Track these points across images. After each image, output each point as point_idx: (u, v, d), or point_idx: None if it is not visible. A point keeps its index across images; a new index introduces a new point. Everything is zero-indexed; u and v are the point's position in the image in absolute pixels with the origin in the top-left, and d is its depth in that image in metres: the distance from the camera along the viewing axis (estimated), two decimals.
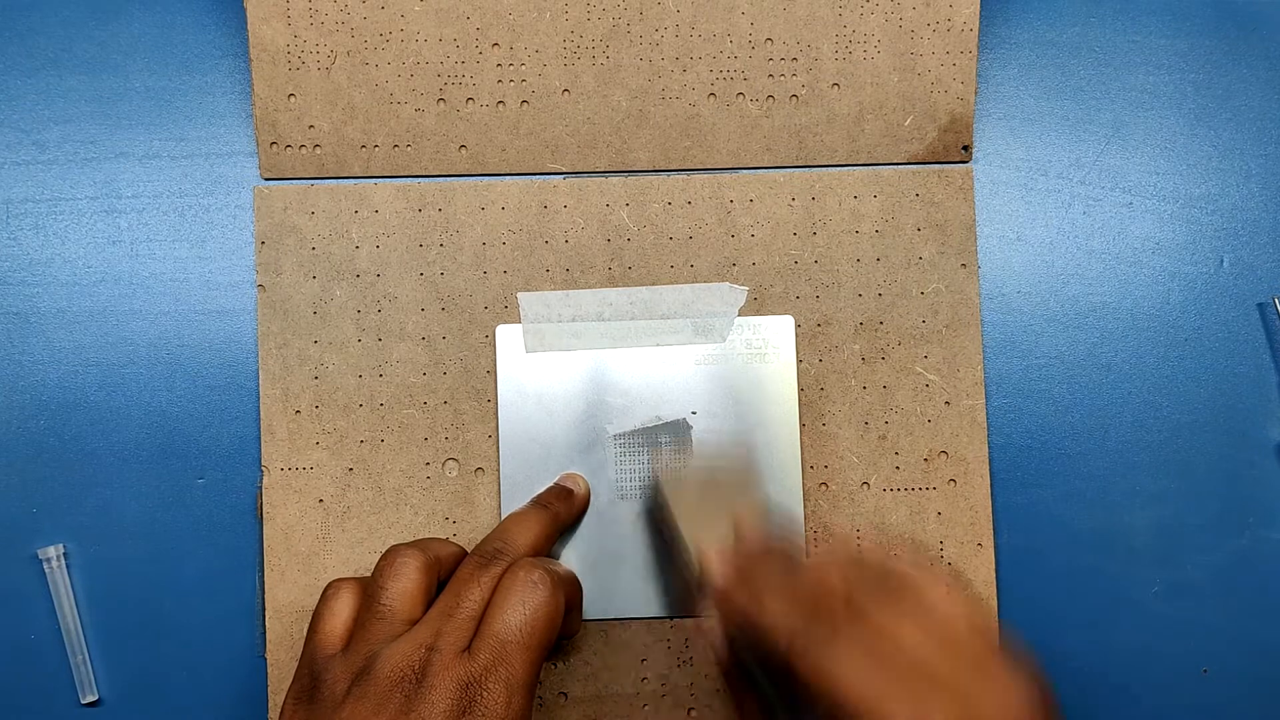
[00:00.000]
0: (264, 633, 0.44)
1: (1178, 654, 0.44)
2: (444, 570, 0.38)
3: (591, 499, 0.44)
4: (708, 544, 0.39)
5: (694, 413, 0.44)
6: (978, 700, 0.32)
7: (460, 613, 0.35)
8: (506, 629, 0.34)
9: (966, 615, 0.34)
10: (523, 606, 0.35)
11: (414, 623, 0.35)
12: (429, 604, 0.36)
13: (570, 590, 0.38)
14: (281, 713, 0.35)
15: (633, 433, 0.44)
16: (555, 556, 0.43)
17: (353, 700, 0.33)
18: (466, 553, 0.39)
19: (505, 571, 0.36)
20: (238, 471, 0.45)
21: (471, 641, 0.34)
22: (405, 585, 0.36)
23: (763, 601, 0.35)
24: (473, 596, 0.36)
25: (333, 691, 0.34)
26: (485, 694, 0.33)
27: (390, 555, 0.37)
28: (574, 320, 0.44)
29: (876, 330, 0.45)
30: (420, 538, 0.42)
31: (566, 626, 0.40)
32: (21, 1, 0.46)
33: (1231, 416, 0.45)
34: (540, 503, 0.42)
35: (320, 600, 0.37)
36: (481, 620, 0.35)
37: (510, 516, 0.41)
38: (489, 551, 0.38)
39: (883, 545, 0.38)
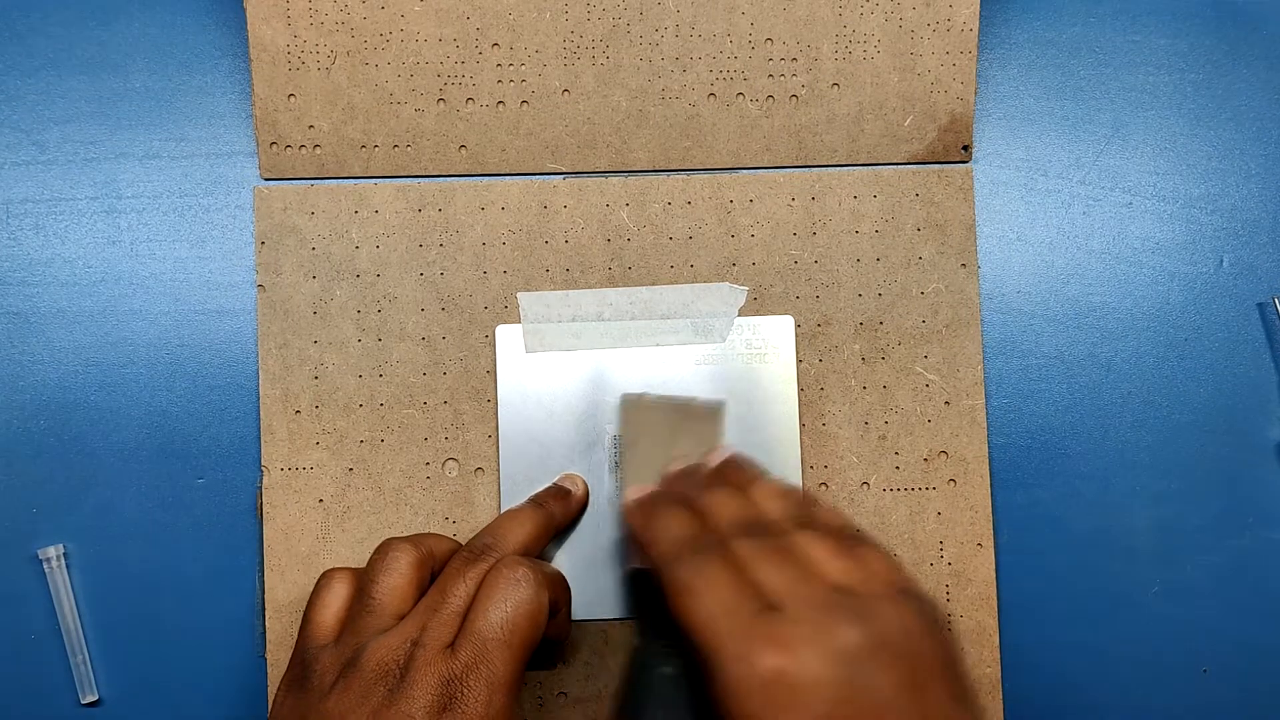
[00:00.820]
0: (264, 633, 0.44)
1: (1178, 654, 0.44)
2: (437, 565, 0.38)
3: (590, 500, 0.44)
4: (634, 474, 0.41)
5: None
6: (812, 646, 0.31)
7: (445, 609, 0.35)
8: (488, 626, 0.34)
9: (845, 570, 0.33)
10: (505, 604, 0.35)
11: (403, 617, 0.36)
12: (420, 598, 0.36)
13: (556, 590, 0.38)
14: (274, 700, 0.36)
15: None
16: (550, 557, 0.43)
17: (338, 691, 0.33)
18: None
19: (491, 568, 0.36)
20: (238, 471, 0.45)
21: (455, 638, 0.34)
22: (395, 580, 0.36)
23: (653, 524, 0.36)
24: (458, 593, 0.36)
25: (321, 681, 0.34)
26: (466, 691, 0.33)
27: (383, 549, 0.37)
28: (574, 320, 0.44)
29: (876, 330, 0.45)
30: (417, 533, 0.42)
31: (555, 629, 0.40)
32: (22, 1, 0.46)
33: (1231, 416, 0.45)
34: (536, 502, 0.42)
35: (314, 590, 0.37)
36: (465, 617, 0.35)
37: (504, 514, 0.41)
38: (478, 547, 0.38)
39: (794, 495, 0.38)
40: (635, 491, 0.39)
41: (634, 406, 0.43)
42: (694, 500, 0.37)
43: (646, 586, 0.37)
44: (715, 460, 0.41)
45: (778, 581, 0.32)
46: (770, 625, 0.31)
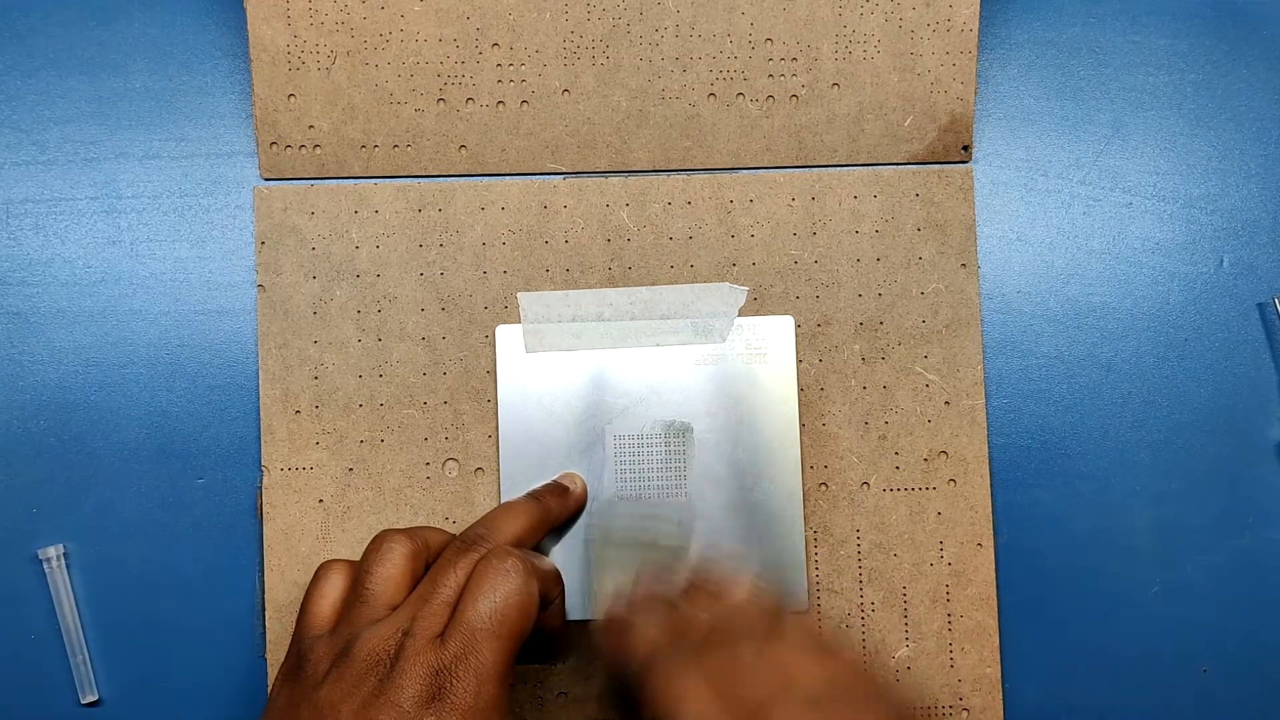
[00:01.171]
0: (264, 633, 0.44)
1: (1178, 654, 0.44)
2: (432, 557, 0.38)
3: (589, 499, 0.44)
4: (607, 584, 0.41)
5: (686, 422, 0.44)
6: None
7: (435, 599, 0.35)
8: (477, 616, 0.34)
9: (816, 676, 0.34)
10: (494, 594, 0.35)
11: (396, 607, 0.36)
12: (414, 589, 0.37)
13: (547, 582, 0.38)
14: (271, 689, 0.36)
15: (632, 434, 0.44)
16: (546, 552, 0.43)
17: (330, 681, 0.34)
18: None
19: (481, 559, 0.36)
20: (238, 471, 0.45)
21: (445, 628, 0.34)
22: (389, 570, 0.36)
23: (633, 629, 0.36)
24: (448, 583, 0.36)
25: (315, 671, 0.34)
26: (455, 682, 0.33)
27: (378, 540, 0.37)
28: (574, 320, 0.44)
29: (876, 330, 0.45)
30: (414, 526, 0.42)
31: (547, 623, 0.40)
32: (22, 2, 0.46)
33: (1231, 416, 0.45)
34: (533, 496, 0.42)
35: (311, 581, 0.38)
36: (455, 607, 0.35)
37: (500, 506, 0.41)
38: (470, 538, 0.38)
39: (765, 602, 0.39)
40: (607, 608, 0.39)
41: (602, 539, 0.43)
42: (668, 613, 0.37)
43: (626, 699, 0.37)
44: (685, 569, 0.41)
45: (759, 692, 0.33)
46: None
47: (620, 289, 0.44)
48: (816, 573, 0.44)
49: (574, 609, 0.43)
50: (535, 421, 0.44)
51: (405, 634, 0.34)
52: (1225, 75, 0.46)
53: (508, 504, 0.41)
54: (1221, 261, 0.46)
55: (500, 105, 0.45)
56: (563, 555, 0.43)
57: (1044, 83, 0.46)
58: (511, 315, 0.44)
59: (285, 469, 0.44)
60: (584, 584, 0.43)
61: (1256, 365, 0.45)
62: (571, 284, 0.45)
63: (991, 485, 0.44)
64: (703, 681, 0.33)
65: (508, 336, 0.44)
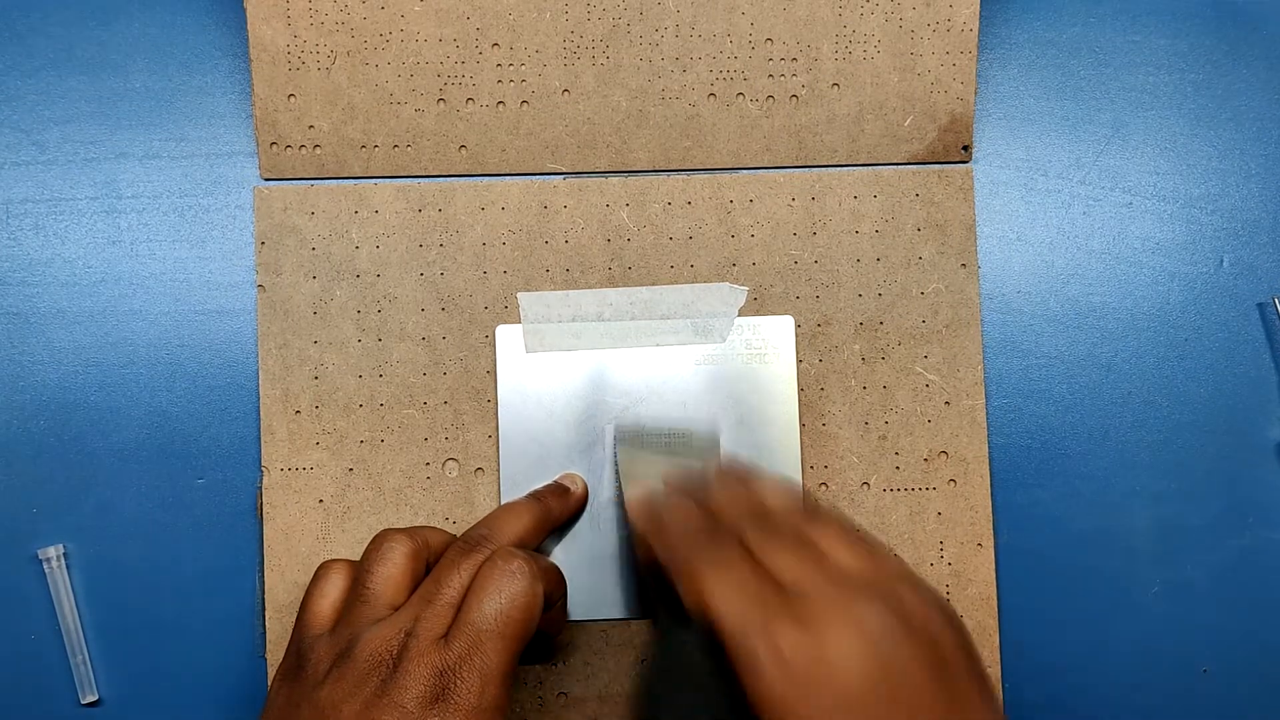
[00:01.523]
0: (264, 633, 0.44)
1: (1178, 654, 0.44)
2: (433, 556, 0.38)
3: (590, 500, 0.44)
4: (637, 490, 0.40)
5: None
6: (838, 631, 0.30)
7: (439, 599, 0.35)
8: (482, 617, 0.34)
9: (858, 559, 0.33)
10: (499, 595, 0.35)
11: (397, 607, 0.36)
12: (415, 589, 0.36)
13: (551, 583, 0.38)
14: (269, 688, 0.36)
15: (634, 434, 0.44)
16: (547, 553, 0.43)
17: (331, 681, 0.34)
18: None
19: (486, 560, 0.36)
20: (238, 472, 0.45)
21: (449, 629, 0.34)
22: (390, 570, 0.36)
23: (662, 520, 0.36)
24: (452, 583, 0.36)
25: (315, 670, 0.34)
26: (459, 682, 0.33)
27: (378, 540, 0.37)
28: (574, 320, 0.44)
29: (876, 330, 0.45)
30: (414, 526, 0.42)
31: (549, 624, 0.40)
32: (22, 2, 0.46)
33: (1231, 416, 0.45)
34: (534, 496, 0.42)
35: (311, 580, 0.38)
36: (459, 608, 0.35)
37: (501, 506, 0.41)
38: (473, 539, 0.38)
39: (797, 491, 0.37)
40: (638, 489, 0.39)
41: (630, 442, 0.43)
42: (702, 498, 0.37)
43: (659, 586, 0.36)
44: (714, 466, 0.41)
45: (795, 569, 0.32)
46: (795, 608, 0.31)
47: (620, 289, 0.44)
48: None
49: (575, 609, 0.43)
50: (535, 421, 0.44)
51: (408, 634, 0.34)
52: (1225, 75, 0.46)
53: (509, 505, 0.41)
54: (1222, 261, 0.46)
55: (500, 105, 0.45)
56: (564, 555, 0.43)
57: (1044, 83, 0.46)
58: (511, 315, 0.44)
59: (285, 469, 0.44)
60: (586, 584, 0.43)
61: (1256, 365, 0.45)
62: (571, 284, 0.45)
63: (991, 485, 0.44)
64: (739, 559, 0.32)
65: (508, 336, 0.44)
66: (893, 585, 0.32)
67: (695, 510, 0.36)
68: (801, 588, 0.31)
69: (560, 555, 0.43)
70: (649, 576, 0.38)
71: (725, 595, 0.31)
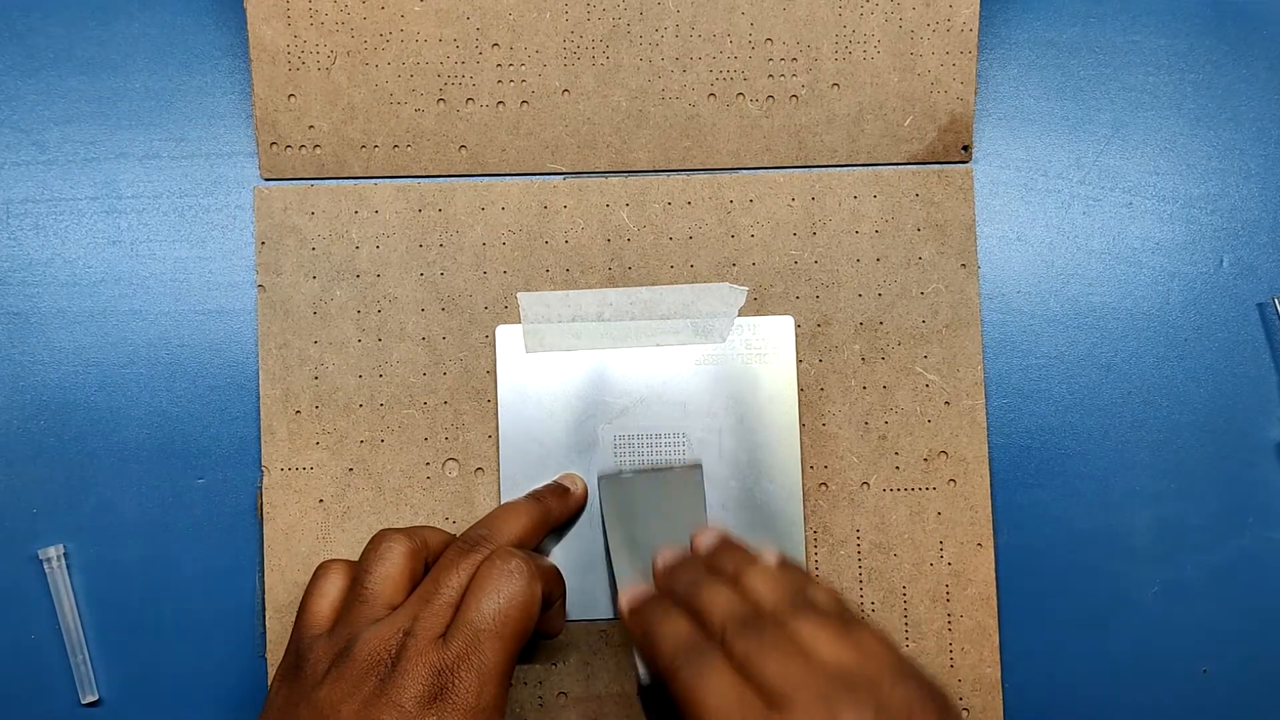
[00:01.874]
0: (264, 633, 0.44)
1: (1177, 654, 0.44)
2: (431, 556, 0.38)
3: (589, 500, 0.44)
4: (625, 562, 0.41)
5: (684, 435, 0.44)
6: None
7: (438, 599, 0.35)
8: (481, 617, 0.34)
9: (846, 653, 0.33)
10: (497, 595, 0.35)
11: (396, 607, 0.36)
12: (414, 589, 0.37)
13: (550, 583, 0.38)
14: (269, 689, 0.36)
15: (633, 435, 0.44)
16: (546, 553, 0.43)
17: (330, 680, 0.34)
18: None
19: (485, 560, 0.36)
20: (238, 472, 0.45)
21: (448, 628, 0.34)
22: (389, 570, 0.36)
23: (652, 633, 0.35)
24: (451, 583, 0.36)
25: (314, 671, 0.34)
26: (457, 682, 0.33)
27: (377, 540, 0.37)
28: (574, 320, 0.44)
29: (876, 330, 0.45)
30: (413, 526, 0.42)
31: (548, 624, 0.40)
32: (22, 1, 0.46)
33: (1231, 416, 0.45)
34: (534, 496, 0.42)
35: (310, 580, 0.38)
36: (458, 608, 0.35)
37: (501, 506, 0.41)
38: (472, 539, 0.38)
39: (787, 576, 0.38)
40: (629, 595, 0.38)
41: (612, 485, 0.43)
42: (689, 598, 0.36)
43: (661, 699, 0.37)
44: (704, 544, 0.40)
45: (780, 673, 0.32)
46: (778, 716, 0.31)
47: (620, 289, 0.44)
48: (816, 572, 0.44)
49: (574, 609, 0.43)
50: (535, 421, 0.44)
51: (407, 634, 0.34)
52: (1225, 75, 0.46)
53: (509, 504, 0.41)
54: (1221, 261, 0.46)
55: (500, 105, 0.45)
56: (563, 556, 0.43)
57: (1044, 83, 0.46)
58: (511, 315, 0.44)
59: (285, 469, 0.44)
60: (585, 584, 0.43)
61: (1256, 365, 0.45)
62: (571, 284, 0.45)
63: (991, 485, 0.44)
64: (725, 672, 0.33)
65: (508, 337, 0.44)
66: (879, 681, 0.32)
67: (683, 620, 0.35)
68: (786, 692, 0.32)
69: (559, 555, 0.43)
70: (648, 693, 0.38)
71: (714, 706, 0.32)
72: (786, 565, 0.38)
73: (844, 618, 0.35)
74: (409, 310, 0.44)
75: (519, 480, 0.44)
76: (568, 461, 0.44)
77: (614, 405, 0.44)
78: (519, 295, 0.44)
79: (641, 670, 0.38)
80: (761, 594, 0.36)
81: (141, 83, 0.46)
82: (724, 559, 0.38)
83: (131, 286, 0.45)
